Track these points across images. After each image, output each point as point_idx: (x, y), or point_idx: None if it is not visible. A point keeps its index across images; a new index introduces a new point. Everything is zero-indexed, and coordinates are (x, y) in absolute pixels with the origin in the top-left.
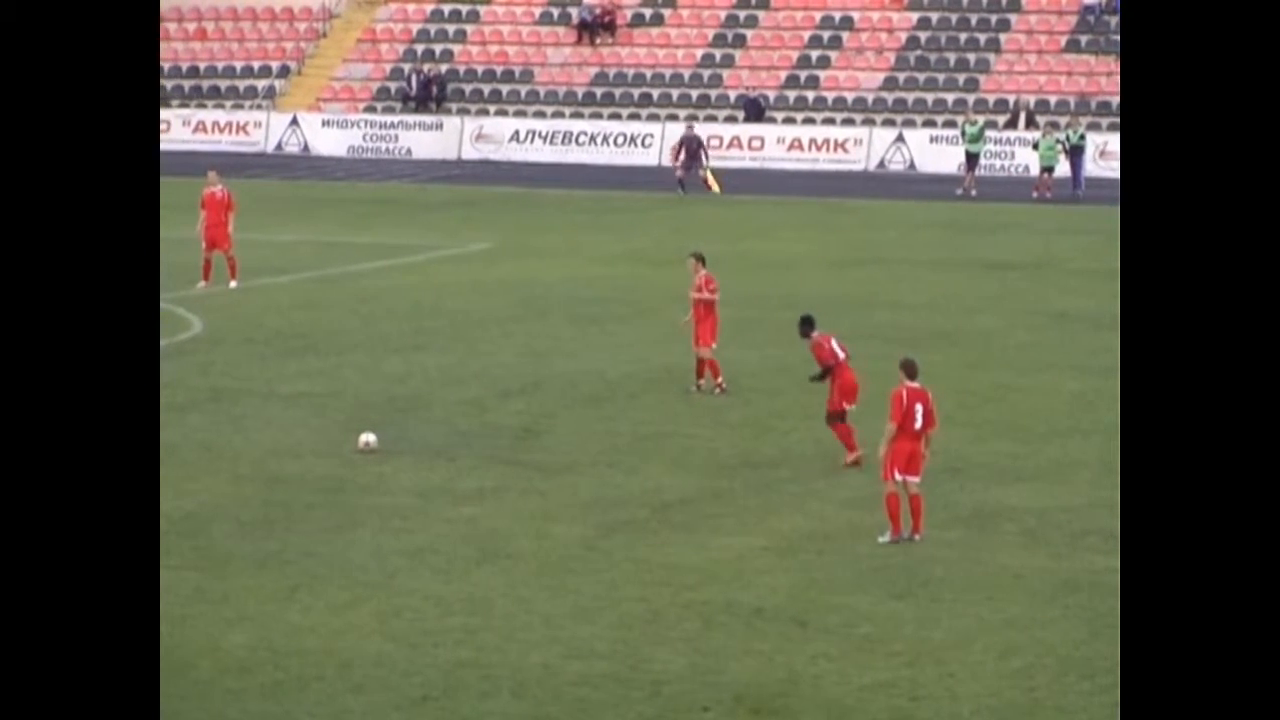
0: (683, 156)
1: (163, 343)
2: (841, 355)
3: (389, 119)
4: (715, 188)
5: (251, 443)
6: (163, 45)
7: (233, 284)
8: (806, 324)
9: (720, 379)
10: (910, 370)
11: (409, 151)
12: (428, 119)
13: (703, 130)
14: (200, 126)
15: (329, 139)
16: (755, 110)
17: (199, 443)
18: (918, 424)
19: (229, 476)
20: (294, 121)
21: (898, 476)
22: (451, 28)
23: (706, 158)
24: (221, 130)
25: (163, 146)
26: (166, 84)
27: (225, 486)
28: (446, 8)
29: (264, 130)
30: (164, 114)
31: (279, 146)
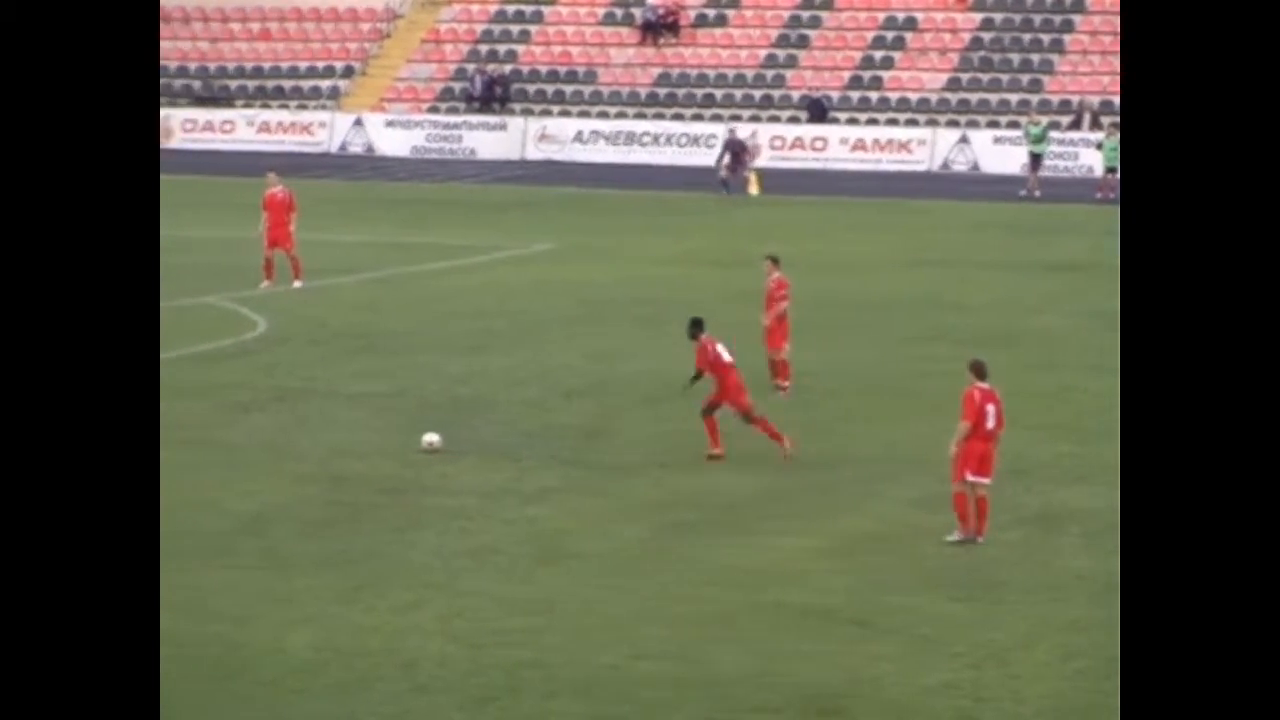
0: (727, 159)
1: (227, 342)
2: (727, 358)
3: (453, 119)
4: (755, 190)
5: (315, 443)
6: (227, 45)
7: (297, 284)
8: (696, 326)
9: (788, 382)
10: (980, 371)
11: (473, 152)
12: (491, 119)
13: (765, 131)
14: (264, 127)
15: (393, 139)
16: (818, 111)
17: (263, 443)
18: (990, 425)
19: (293, 477)
20: (358, 122)
21: (968, 477)
22: (515, 28)
23: (751, 159)
24: (286, 130)
25: (228, 147)
26: (230, 84)
27: (289, 487)
28: (510, 8)
29: (328, 131)
30: (229, 114)
31: (343, 147)
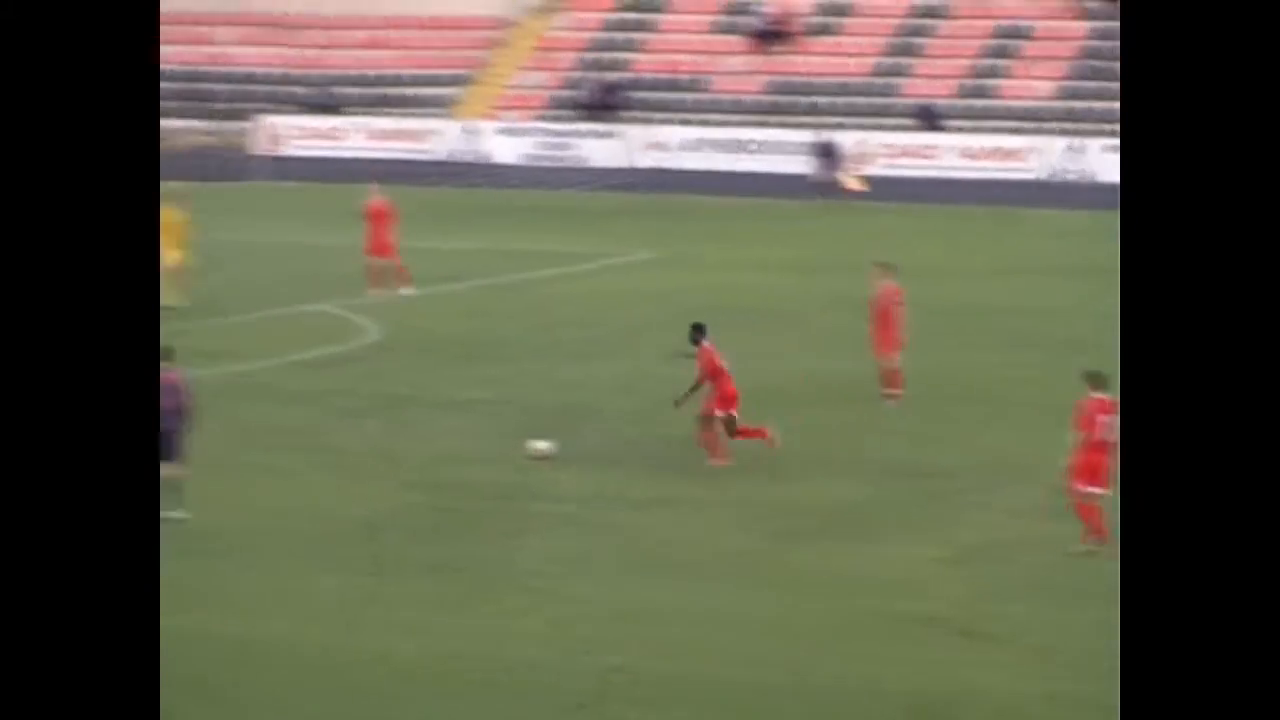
0: (820, 164)
1: (337, 349)
2: (725, 367)
3: (564, 127)
4: (856, 186)
5: (423, 449)
6: (339, 53)
7: (407, 291)
8: (698, 331)
9: (899, 390)
10: (1096, 382)
11: (584, 159)
12: (602, 127)
13: (875, 139)
14: (375, 134)
15: (504, 147)
16: (929, 119)
17: (372, 449)
18: (1104, 435)
19: (401, 483)
20: (470, 130)
21: (1082, 488)
22: (627, 36)
23: (843, 162)
24: (396, 138)
25: (339, 154)
26: (342, 91)
27: (398, 493)
28: (622, 17)
29: (440, 138)
30: (339, 121)
31: (454, 155)
